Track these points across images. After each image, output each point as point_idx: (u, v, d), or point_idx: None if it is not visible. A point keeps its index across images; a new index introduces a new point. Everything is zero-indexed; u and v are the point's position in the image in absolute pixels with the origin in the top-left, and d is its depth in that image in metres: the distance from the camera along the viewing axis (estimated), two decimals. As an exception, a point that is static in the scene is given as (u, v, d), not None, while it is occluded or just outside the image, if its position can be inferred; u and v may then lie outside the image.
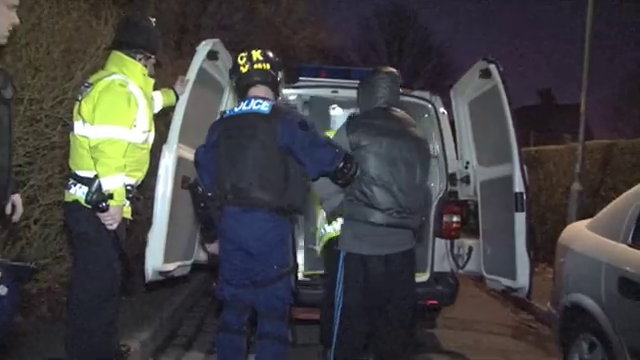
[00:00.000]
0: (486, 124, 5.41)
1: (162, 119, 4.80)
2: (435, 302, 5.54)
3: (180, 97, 4.57)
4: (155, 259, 4.54)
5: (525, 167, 4.86)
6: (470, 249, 5.54)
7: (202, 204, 3.79)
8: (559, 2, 57.50)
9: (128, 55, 3.82)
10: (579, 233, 4.45)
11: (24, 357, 4.09)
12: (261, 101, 3.72)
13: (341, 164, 3.57)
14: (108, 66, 3.82)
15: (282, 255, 3.71)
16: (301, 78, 5.97)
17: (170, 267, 4.67)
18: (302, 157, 3.62)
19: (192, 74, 4.68)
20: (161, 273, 4.61)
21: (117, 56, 3.82)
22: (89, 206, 3.57)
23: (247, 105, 3.75)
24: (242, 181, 3.63)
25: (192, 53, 4.86)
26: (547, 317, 4.87)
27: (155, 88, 4.18)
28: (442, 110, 5.74)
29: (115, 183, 3.55)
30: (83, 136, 3.65)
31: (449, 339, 6.00)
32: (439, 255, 5.52)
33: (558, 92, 40.69)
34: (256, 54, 3.79)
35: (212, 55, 4.85)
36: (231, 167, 3.67)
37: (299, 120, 3.69)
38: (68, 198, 3.77)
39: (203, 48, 4.79)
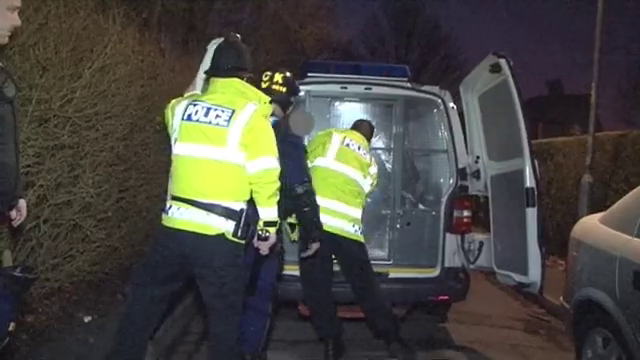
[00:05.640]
0: (496, 118, 5.38)
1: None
2: (446, 297, 5.55)
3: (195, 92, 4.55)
4: None
5: (536, 161, 4.83)
6: (481, 244, 5.52)
7: None
8: (568, -8, 56.85)
9: (243, 80, 3.72)
10: (592, 227, 4.40)
11: (37, 356, 4.10)
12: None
13: (298, 190, 4.23)
14: (228, 92, 3.61)
15: None
16: (310, 74, 5.95)
17: None
18: (287, 168, 4.00)
19: (203, 72, 4.66)
20: None
21: (243, 85, 3.67)
22: (238, 240, 3.47)
23: None
24: None
25: (200, 50, 4.83)
26: (559, 311, 4.83)
27: (165, 85, 4.11)
28: (451, 105, 5.70)
29: (276, 212, 3.57)
30: (240, 165, 3.48)
31: (461, 334, 5.98)
32: (450, 250, 5.50)
33: (567, 82, 40.45)
34: (278, 77, 4.37)
35: None
36: None
37: (294, 141, 4.38)
38: (207, 231, 3.44)
39: (213, 46, 4.76)
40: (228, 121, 3.46)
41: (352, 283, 5.03)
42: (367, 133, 5.41)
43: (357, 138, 5.23)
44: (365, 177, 5.15)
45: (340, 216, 4.90)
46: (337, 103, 6.58)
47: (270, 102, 4.08)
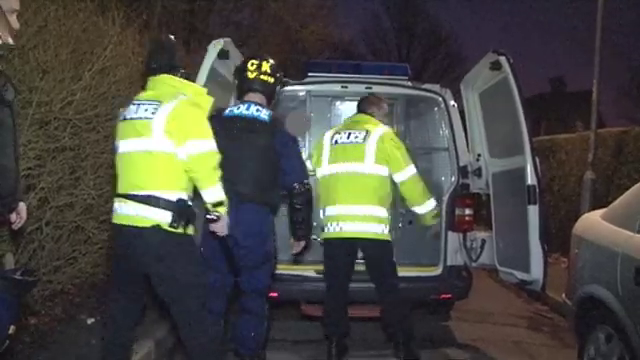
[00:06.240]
0: (497, 116, 5.37)
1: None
2: (449, 296, 5.54)
3: None
4: None
5: (537, 158, 4.83)
6: (483, 242, 5.49)
7: None
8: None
9: (174, 76, 3.71)
10: (594, 223, 4.39)
11: (39, 359, 4.11)
12: (260, 108, 4.13)
13: (298, 189, 4.11)
14: (159, 88, 3.64)
15: (266, 244, 4.12)
16: (310, 74, 5.95)
17: None
18: (286, 165, 4.10)
19: (203, 73, 4.67)
20: None
21: (172, 79, 3.67)
22: (175, 230, 3.44)
23: (247, 109, 4.12)
24: (237, 177, 3.95)
25: (201, 51, 4.86)
26: (562, 308, 4.82)
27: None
28: (452, 103, 5.70)
29: (221, 191, 3.54)
30: (169, 153, 3.46)
31: (464, 332, 5.97)
32: (452, 248, 5.49)
33: (570, 79, 40.33)
34: (265, 66, 4.19)
35: (223, 54, 4.84)
36: (228, 164, 3.87)
37: (290, 135, 4.19)
38: (142, 223, 3.44)
39: (214, 47, 4.79)
40: (154, 113, 3.49)
41: (376, 284, 4.86)
42: (369, 106, 5.00)
43: (349, 125, 4.94)
44: (378, 160, 4.68)
45: (359, 219, 4.69)
46: (338, 102, 6.59)
47: (256, 91, 4.18)
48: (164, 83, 3.66)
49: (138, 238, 3.48)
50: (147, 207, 3.43)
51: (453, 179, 5.62)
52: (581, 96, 20.50)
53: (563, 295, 4.58)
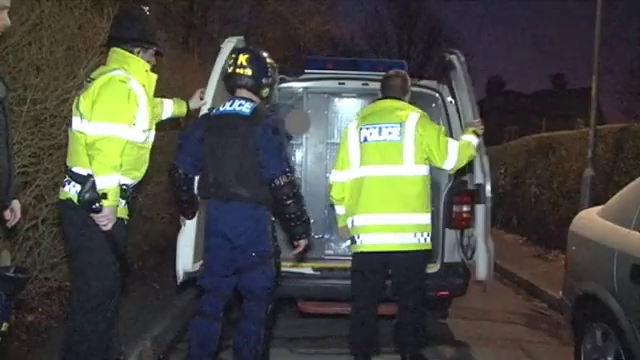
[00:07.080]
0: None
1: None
2: (446, 293, 5.51)
3: (206, 94, 4.55)
4: (185, 261, 4.64)
5: (486, 158, 4.88)
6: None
7: (184, 187, 4.08)
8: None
9: (126, 50, 3.63)
10: (591, 220, 4.38)
11: (36, 356, 4.10)
12: (244, 102, 3.94)
13: (278, 182, 3.78)
14: (109, 63, 3.62)
15: (260, 243, 3.93)
16: (307, 70, 5.93)
17: (198, 267, 4.68)
18: (264, 158, 3.82)
19: (216, 72, 4.64)
20: (189, 274, 4.62)
21: (117, 53, 3.62)
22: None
23: (231, 105, 3.96)
24: (223, 176, 3.87)
25: (200, 48, 4.84)
26: (560, 305, 4.81)
27: (162, 84, 4.07)
28: (449, 99, 5.67)
29: (110, 182, 3.36)
30: (80, 132, 3.46)
31: (462, 329, 5.96)
32: (449, 246, 5.46)
33: (570, 76, 40.30)
34: (242, 58, 3.98)
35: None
36: (213, 162, 3.91)
37: (274, 125, 3.89)
38: (62, 196, 3.57)
39: (227, 45, 4.75)
40: (82, 90, 3.58)
41: (399, 288, 4.56)
42: (399, 91, 4.57)
43: (375, 115, 4.45)
44: (418, 160, 4.30)
45: (392, 229, 4.30)
46: (335, 99, 6.57)
47: (237, 87, 4.02)
48: (112, 58, 3.67)
49: (61, 210, 3.70)
50: (67, 181, 3.56)
51: (450, 176, 5.60)
52: (582, 93, 20.49)
53: (560, 292, 4.58)
